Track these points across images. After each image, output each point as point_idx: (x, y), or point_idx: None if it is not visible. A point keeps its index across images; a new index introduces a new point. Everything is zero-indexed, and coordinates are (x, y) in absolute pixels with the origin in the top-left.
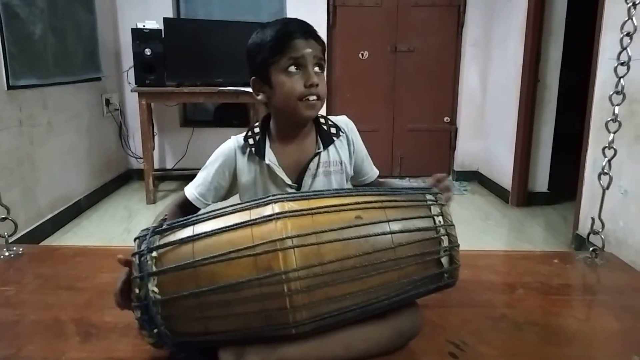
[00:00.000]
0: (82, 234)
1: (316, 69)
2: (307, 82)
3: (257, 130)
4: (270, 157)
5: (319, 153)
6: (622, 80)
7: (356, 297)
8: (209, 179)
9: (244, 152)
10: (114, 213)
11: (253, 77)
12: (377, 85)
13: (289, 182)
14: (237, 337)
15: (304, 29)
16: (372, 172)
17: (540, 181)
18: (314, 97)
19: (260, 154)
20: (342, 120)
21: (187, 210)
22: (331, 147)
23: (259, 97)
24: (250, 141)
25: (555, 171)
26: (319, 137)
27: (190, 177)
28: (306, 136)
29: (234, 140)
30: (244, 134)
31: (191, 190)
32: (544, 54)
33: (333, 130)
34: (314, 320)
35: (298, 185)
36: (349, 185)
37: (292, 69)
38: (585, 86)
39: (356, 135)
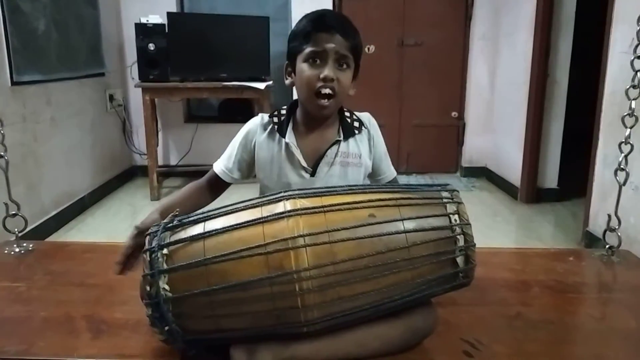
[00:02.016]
0: (86, 231)
1: (340, 65)
2: (320, 74)
3: (283, 111)
4: (290, 138)
5: (338, 141)
6: (638, 73)
7: (369, 297)
8: (234, 152)
9: (266, 128)
10: (118, 210)
11: (286, 62)
12: (384, 79)
13: (304, 164)
14: (248, 335)
15: (332, 24)
16: (389, 172)
17: (550, 177)
18: (327, 91)
19: (282, 132)
20: (365, 116)
21: (215, 187)
22: (351, 139)
23: (287, 82)
24: (275, 119)
25: (564, 167)
26: (341, 128)
27: (195, 173)
28: (329, 125)
29: (260, 116)
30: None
31: (219, 165)
32: (554, 48)
33: (356, 124)
34: (325, 320)
35: (313, 171)
36: (366, 182)
37: (313, 60)
38: (595, 81)
39: (377, 132)
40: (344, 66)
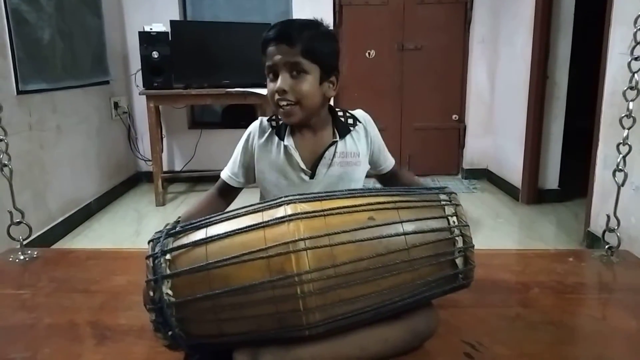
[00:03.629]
0: (92, 237)
1: (294, 73)
2: (275, 88)
3: None
4: (289, 140)
5: (335, 142)
6: (636, 75)
7: (370, 299)
8: (238, 157)
9: (265, 132)
10: (124, 215)
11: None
12: (385, 84)
13: (303, 166)
14: (251, 339)
15: (278, 35)
16: (388, 161)
17: (551, 178)
18: (284, 103)
19: (280, 135)
20: (358, 113)
21: (226, 194)
22: (348, 138)
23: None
24: (273, 123)
25: (565, 168)
26: (335, 128)
27: (199, 179)
28: (322, 127)
29: (260, 119)
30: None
31: (225, 172)
32: (553, 50)
33: (350, 120)
34: (327, 322)
35: (312, 173)
36: (365, 181)
37: (274, 75)
38: (594, 82)
39: (372, 126)
40: (300, 73)
